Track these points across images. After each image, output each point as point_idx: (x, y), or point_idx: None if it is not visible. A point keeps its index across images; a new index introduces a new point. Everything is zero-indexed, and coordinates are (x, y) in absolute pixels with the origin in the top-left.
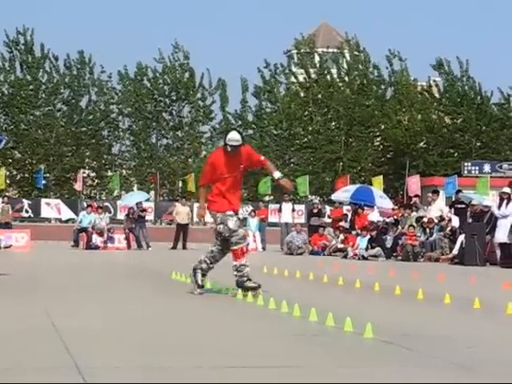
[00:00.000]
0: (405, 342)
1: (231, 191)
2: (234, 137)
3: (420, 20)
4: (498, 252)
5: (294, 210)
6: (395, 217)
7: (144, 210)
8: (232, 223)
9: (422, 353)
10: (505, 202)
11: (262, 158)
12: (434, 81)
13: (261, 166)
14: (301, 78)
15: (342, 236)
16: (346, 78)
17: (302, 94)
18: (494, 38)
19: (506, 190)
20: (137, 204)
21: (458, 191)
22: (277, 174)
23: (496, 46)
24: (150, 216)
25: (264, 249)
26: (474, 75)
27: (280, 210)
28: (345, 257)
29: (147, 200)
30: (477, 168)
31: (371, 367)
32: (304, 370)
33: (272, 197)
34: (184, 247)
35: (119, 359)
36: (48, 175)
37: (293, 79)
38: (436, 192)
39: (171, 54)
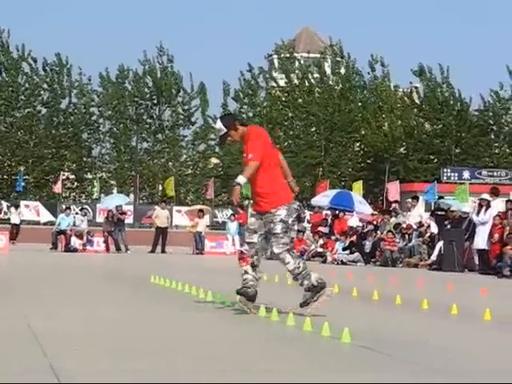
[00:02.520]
0: (382, 347)
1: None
2: (216, 127)
3: (401, 26)
4: (477, 258)
5: None
6: (374, 222)
7: (123, 213)
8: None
9: (399, 358)
10: (484, 208)
11: (250, 155)
12: (415, 87)
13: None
14: (282, 83)
15: (321, 241)
16: (330, 82)
17: (282, 99)
18: (474, 45)
19: (485, 196)
20: (116, 207)
21: (440, 197)
22: (238, 178)
23: (475, 52)
24: (129, 219)
25: None
26: (454, 82)
27: None
28: (324, 262)
29: (127, 203)
30: (456, 174)
31: (348, 372)
32: (281, 375)
33: (252, 201)
34: (163, 251)
35: (96, 362)
36: (27, 177)
37: (273, 84)
38: (415, 198)
39: (155, 56)
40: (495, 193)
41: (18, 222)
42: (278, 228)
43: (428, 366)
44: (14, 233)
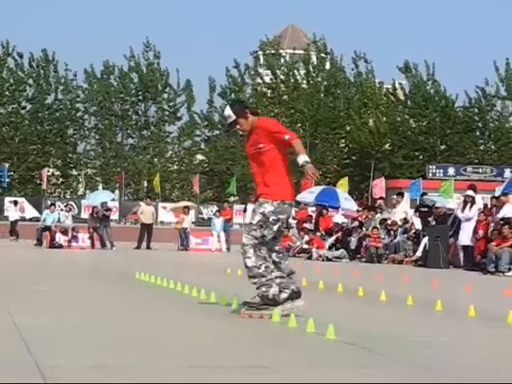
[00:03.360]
0: (366, 344)
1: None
2: (225, 114)
3: (387, 23)
4: (462, 255)
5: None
6: (359, 219)
7: (109, 210)
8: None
9: (383, 354)
10: (468, 205)
11: (287, 136)
12: (400, 84)
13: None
14: (267, 79)
15: (306, 237)
16: (316, 79)
17: (268, 95)
18: (459, 42)
19: (470, 193)
20: (102, 203)
21: (423, 194)
22: (301, 159)
23: (461, 49)
24: (114, 215)
25: (228, 249)
26: (439, 78)
27: (245, 211)
28: (309, 258)
29: (112, 200)
30: (441, 171)
31: (332, 368)
32: (266, 371)
33: (237, 197)
34: (148, 247)
35: (80, 358)
36: (12, 173)
37: (259, 80)
38: (401, 194)
39: (142, 52)
40: (473, 189)
41: (17, 218)
42: (256, 219)
43: (412, 361)
44: (15, 230)
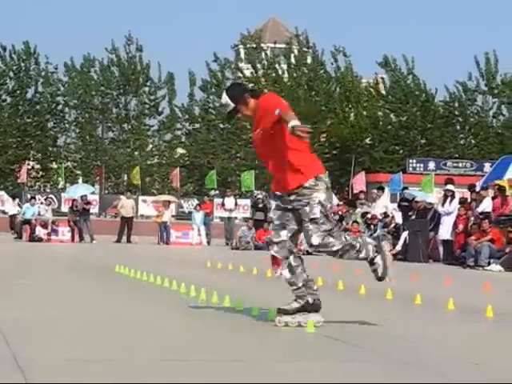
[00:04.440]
0: (346, 337)
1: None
2: (222, 102)
3: (366, 17)
4: (441, 249)
5: (236, 205)
6: (340, 212)
7: (88, 203)
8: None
9: (363, 347)
10: (448, 199)
11: (277, 111)
12: (382, 78)
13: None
14: (248, 73)
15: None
16: (294, 74)
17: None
18: (438, 36)
19: (450, 187)
20: (81, 197)
21: (405, 188)
22: (289, 126)
23: (440, 44)
24: (94, 209)
25: (209, 243)
26: (419, 73)
27: (223, 205)
28: None
29: (92, 193)
30: (421, 165)
31: (312, 361)
32: (243, 364)
33: (217, 191)
34: (128, 240)
35: (59, 351)
36: None
37: (240, 74)
38: (381, 188)
39: (124, 45)
40: (451, 183)
41: (15, 212)
42: (317, 212)
43: (390, 355)
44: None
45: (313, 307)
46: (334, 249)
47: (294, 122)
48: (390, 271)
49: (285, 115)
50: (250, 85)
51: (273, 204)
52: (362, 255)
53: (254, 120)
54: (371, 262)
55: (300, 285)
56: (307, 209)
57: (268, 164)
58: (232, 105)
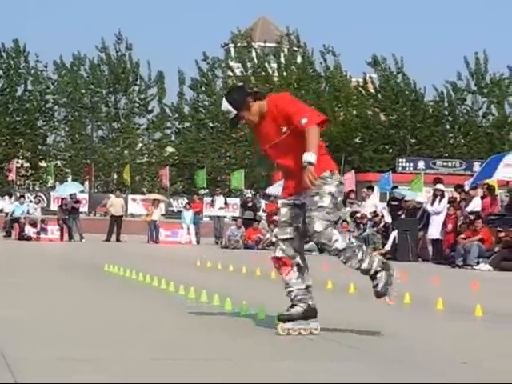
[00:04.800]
0: (335, 337)
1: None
2: (222, 109)
3: (356, 17)
4: (431, 248)
5: (226, 204)
6: None
7: (78, 202)
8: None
9: (352, 347)
10: (438, 198)
11: (304, 120)
12: (370, 77)
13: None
14: (238, 72)
15: (276, 230)
16: (284, 73)
17: None
18: (428, 36)
19: (440, 186)
20: (71, 195)
21: (394, 187)
22: (306, 156)
23: (429, 43)
24: (84, 208)
25: (198, 242)
26: (408, 72)
27: (213, 203)
28: None
29: (81, 191)
30: (411, 164)
31: (302, 361)
32: (232, 363)
33: (207, 190)
34: (117, 239)
35: (49, 350)
36: None
37: (230, 73)
38: (371, 188)
39: (113, 44)
40: (440, 183)
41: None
42: (327, 200)
43: (380, 354)
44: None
45: (313, 312)
46: (339, 246)
47: (311, 157)
48: (391, 291)
49: (310, 133)
50: (240, 83)
51: (279, 202)
52: (365, 265)
53: (263, 123)
54: (373, 276)
55: (303, 287)
56: (316, 198)
57: (287, 165)
58: (234, 111)
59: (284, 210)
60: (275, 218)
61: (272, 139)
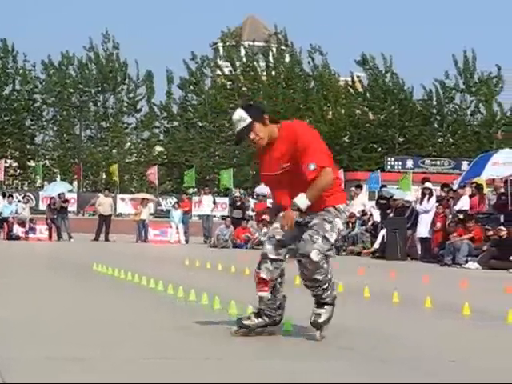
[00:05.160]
0: (321, 336)
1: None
2: (234, 117)
3: (344, 16)
4: (419, 247)
5: (215, 203)
6: None
7: (66, 201)
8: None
9: (338, 346)
10: (426, 197)
11: (312, 167)
12: (358, 76)
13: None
14: (226, 71)
15: (265, 229)
16: (273, 72)
17: (227, 87)
18: (417, 34)
19: (428, 185)
20: (59, 195)
21: (383, 186)
22: (298, 200)
23: (418, 42)
24: (72, 207)
25: (187, 241)
26: (397, 71)
27: (200, 202)
28: None
29: (70, 191)
30: (400, 163)
31: (290, 361)
32: (223, 362)
33: (196, 189)
34: (106, 239)
35: (37, 350)
36: None
37: (218, 72)
38: (359, 187)
39: (101, 43)
40: (428, 181)
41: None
42: (334, 236)
43: (368, 353)
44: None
45: (274, 323)
46: (319, 277)
47: (303, 202)
48: (325, 329)
49: (314, 185)
50: (229, 82)
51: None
52: (325, 294)
53: (271, 149)
54: (321, 305)
55: (276, 306)
56: (328, 226)
57: (291, 192)
58: (248, 119)
59: (279, 226)
60: (264, 217)
61: (277, 168)
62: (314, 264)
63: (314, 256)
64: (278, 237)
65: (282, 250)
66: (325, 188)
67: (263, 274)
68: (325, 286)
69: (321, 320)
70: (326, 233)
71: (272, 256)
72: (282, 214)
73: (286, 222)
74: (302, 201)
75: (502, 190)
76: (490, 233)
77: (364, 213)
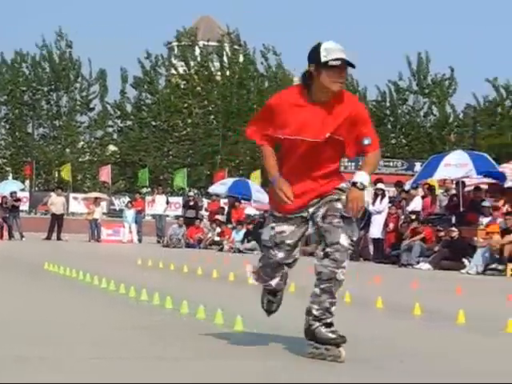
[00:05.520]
0: (273, 336)
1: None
2: (337, 46)
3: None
4: (372, 247)
5: (168, 203)
6: None
7: (18, 200)
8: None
9: (287, 345)
10: (379, 198)
11: (367, 141)
12: None
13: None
14: (181, 71)
15: (218, 229)
16: (228, 72)
17: (182, 86)
18: (371, 35)
19: (380, 186)
20: (11, 193)
21: None
22: (360, 177)
23: (372, 42)
24: (24, 206)
25: (140, 241)
26: (351, 71)
27: (153, 201)
28: (221, 250)
29: (22, 190)
30: (353, 164)
31: (240, 358)
32: (173, 362)
33: (149, 189)
34: (58, 238)
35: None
36: None
37: (173, 71)
38: None
39: (54, 41)
40: (381, 182)
41: None
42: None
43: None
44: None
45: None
46: (342, 276)
47: (366, 178)
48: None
49: (372, 157)
50: (183, 82)
51: (273, 216)
52: (333, 308)
53: (325, 110)
54: (328, 324)
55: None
56: (339, 205)
57: (312, 171)
58: (344, 57)
59: (289, 229)
60: (218, 217)
61: (325, 132)
62: (344, 252)
63: (343, 240)
64: (288, 241)
65: (295, 251)
66: (375, 169)
67: (274, 282)
68: (335, 297)
69: (339, 339)
70: (342, 211)
71: (287, 261)
72: (347, 196)
73: (356, 204)
74: (365, 178)
75: (454, 192)
76: (442, 234)
77: None
